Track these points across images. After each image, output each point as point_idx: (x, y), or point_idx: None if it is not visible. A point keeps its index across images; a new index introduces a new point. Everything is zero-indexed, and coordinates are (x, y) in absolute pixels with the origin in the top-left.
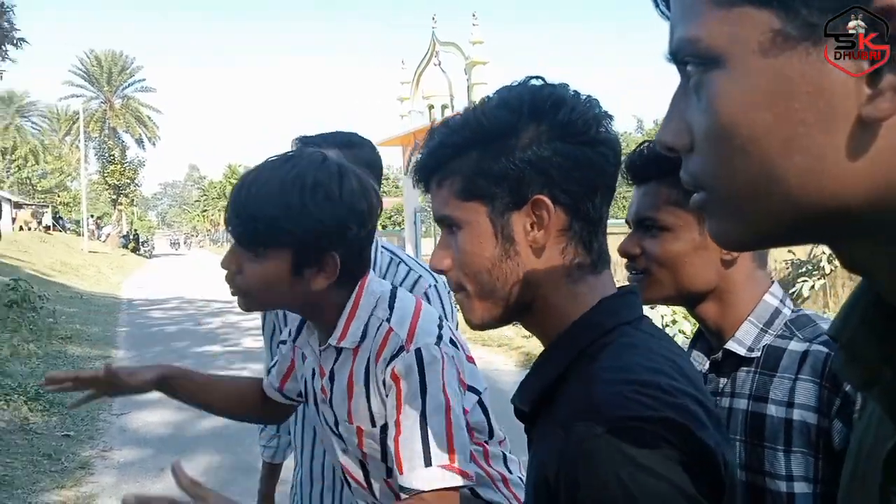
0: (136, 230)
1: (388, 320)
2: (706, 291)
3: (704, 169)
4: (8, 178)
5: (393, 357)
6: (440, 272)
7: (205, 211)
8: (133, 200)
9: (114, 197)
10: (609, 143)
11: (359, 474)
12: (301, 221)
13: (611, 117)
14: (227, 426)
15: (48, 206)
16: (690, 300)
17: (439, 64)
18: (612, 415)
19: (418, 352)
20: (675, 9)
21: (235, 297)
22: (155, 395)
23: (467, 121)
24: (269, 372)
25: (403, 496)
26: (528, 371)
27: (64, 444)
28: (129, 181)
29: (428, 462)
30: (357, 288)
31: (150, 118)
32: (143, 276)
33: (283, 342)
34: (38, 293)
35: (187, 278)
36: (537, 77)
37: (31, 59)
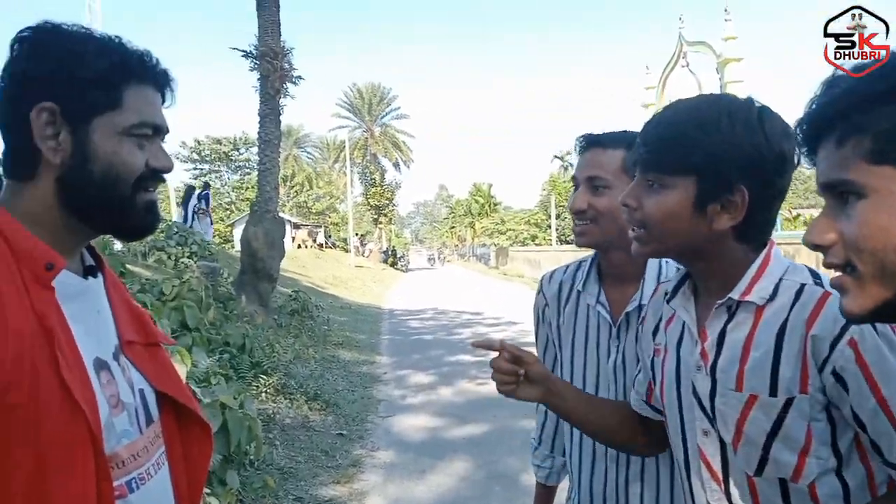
0: (393, 247)
1: (820, 285)
2: None
3: None
4: (288, 202)
5: (842, 325)
6: (817, 248)
7: (452, 227)
8: (391, 219)
9: (375, 216)
10: None
11: (716, 463)
12: (711, 140)
13: None
14: (484, 434)
15: (321, 227)
16: None
17: (687, 65)
18: None
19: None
20: None
21: (635, 240)
22: (415, 399)
23: (894, 67)
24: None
25: None
26: None
27: (338, 442)
28: (387, 202)
29: None
30: (767, 248)
31: (404, 143)
32: (400, 289)
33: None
34: (315, 303)
35: (439, 290)
36: None
37: (304, 95)
